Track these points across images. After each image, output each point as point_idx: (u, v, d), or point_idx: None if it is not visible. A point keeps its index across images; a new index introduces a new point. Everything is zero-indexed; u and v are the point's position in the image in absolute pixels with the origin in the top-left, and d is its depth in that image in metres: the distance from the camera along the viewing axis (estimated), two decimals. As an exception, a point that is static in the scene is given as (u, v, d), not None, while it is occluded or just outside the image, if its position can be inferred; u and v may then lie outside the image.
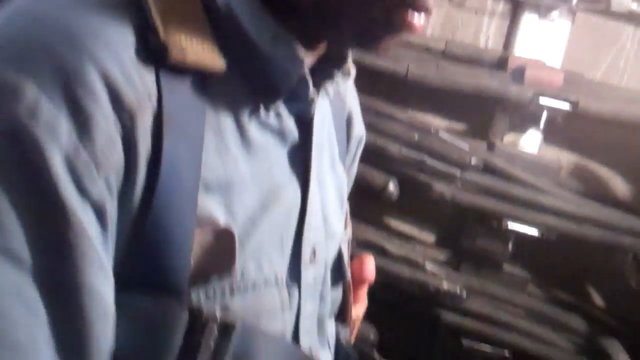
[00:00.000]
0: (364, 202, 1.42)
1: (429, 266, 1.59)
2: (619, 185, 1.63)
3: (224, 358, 0.61)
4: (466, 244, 1.63)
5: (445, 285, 1.54)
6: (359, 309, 1.09)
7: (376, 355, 1.45)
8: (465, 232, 1.63)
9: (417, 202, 1.63)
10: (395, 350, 1.70)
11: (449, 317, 1.60)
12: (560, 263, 1.66)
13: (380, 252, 1.58)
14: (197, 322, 0.60)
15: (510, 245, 1.60)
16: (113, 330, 0.57)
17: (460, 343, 1.60)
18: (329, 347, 0.85)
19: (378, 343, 1.64)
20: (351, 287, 0.92)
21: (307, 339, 0.74)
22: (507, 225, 1.53)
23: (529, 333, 1.57)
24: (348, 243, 0.93)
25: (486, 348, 1.58)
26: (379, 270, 1.58)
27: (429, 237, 1.68)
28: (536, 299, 1.62)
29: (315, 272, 0.73)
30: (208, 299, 0.61)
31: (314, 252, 0.73)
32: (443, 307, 1.60)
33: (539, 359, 1.55)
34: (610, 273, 1.65)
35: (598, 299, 1.67)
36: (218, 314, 0.61)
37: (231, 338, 0.61)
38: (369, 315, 1.08)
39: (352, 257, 1.03)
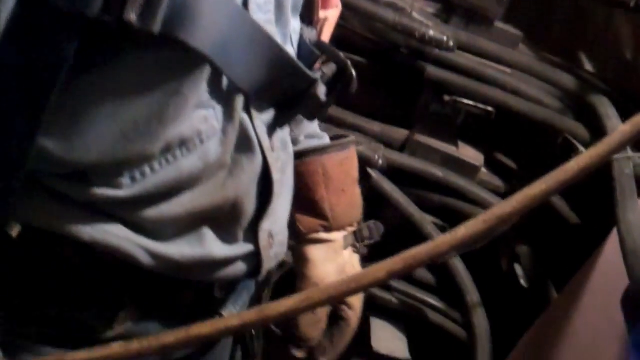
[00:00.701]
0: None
1: (417, 15, 1.49)
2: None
3: (156, 12, 0.55)
4: (458, -2, 1.52)
5: (432, 32, 1.45)
6: (330, 12, 0.99)
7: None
8: (459, -15, 1.52)
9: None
10: (375, 112, 1.64)
11: (434, 71, 1.52)
12: (555, 25, 1.57)
13: (364, -4, 1.47)
14: None
15: (505, 1, 1.49)
16: None
17: (444, 100, 1.54)
18: (292, 44, 0.78)
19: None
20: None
21: (261, 17, 0.67)
22: (504, -29, 1.42)
23: (516, 90, 1.50)
24: None
25: (471, 104, 1.52)
26: (360, 12, 1.48)
27: (419, -10, 1.56)
28: (526, 57, 1.54)
29: None
30: None
31: None
32: (428, 60, 1.52)
33: (524, 116, 1.49)
34: (605, 40, 1.57)
35: (589, 66, 1.60)
36: None
37: None
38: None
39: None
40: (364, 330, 1.68)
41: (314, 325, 0.98)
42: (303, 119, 0.96)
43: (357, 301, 1.01)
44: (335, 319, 1.01)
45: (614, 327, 1.02)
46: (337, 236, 0.99)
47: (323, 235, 0.97)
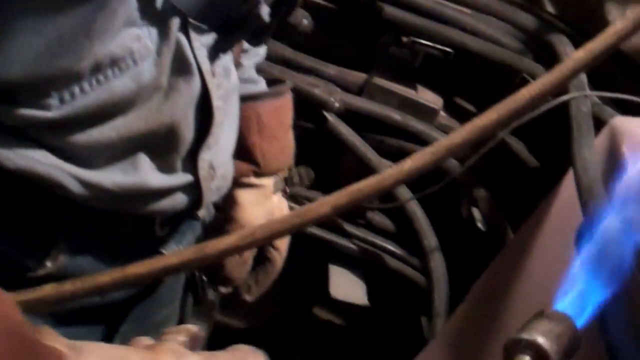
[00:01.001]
0: None
1: (374, -48, 1.44)
2: None
3: None
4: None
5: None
6: None
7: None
8: None
9: None
10: (332, 55, 1.60)
11: (392, 11, 1.48)
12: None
13: None
14: None
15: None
16: None
17: (401, 41, 1.50)
18: None
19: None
20: None
21: None
22: None
23: (475, 31, 1.47)
24: None
25: (429, 45, 1.48)
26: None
27: None
28: (486, -4, 1.51)
29: None
30: None
31: None
32: (385, 0, 1.48)
33: (483, 56, 1.47)
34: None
35: (550, 6, 1.57)
36: None
37: None
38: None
39: None
40: (322, 277, 1.68)
41: (239, 267, 1.00)
42: (242, 64, 0.95)
43: (282, 244, 1.04)
44: (261, 259, 1.04)
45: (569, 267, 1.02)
46: (267, 181, 1.01)
47: (253, 180, 0.99)
